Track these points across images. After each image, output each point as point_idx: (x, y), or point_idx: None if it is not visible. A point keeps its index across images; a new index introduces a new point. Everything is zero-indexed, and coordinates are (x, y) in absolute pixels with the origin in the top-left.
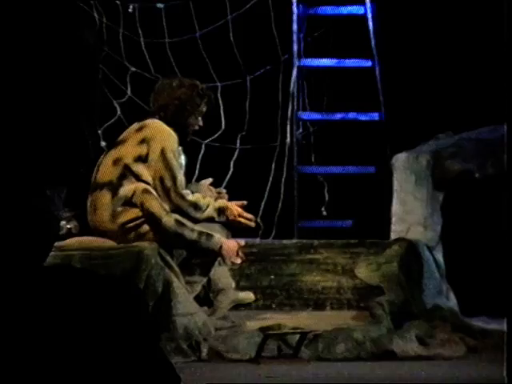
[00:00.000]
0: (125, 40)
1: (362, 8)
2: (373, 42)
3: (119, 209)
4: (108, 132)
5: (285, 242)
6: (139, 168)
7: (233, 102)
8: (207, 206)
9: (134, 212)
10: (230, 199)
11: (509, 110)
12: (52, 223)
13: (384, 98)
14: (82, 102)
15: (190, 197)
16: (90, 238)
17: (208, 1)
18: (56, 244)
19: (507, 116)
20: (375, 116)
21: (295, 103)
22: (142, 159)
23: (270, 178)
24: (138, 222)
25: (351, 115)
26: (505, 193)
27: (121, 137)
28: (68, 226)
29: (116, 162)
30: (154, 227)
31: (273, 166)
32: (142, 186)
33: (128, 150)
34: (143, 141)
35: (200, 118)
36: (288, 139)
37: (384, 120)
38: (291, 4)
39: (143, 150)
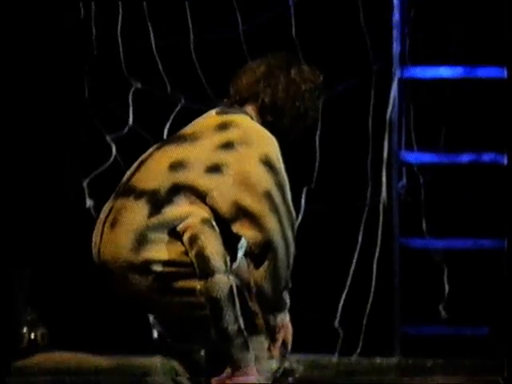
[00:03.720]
0: (125, 40)
1: None
2: None
3: (153, 235)
4: (96, 184)
5: (379, 360)
6: (209, 182)
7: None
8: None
9: (174, 249)
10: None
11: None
12: (9, 331)
13: None
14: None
15: None
16: (68, 354)
17: None
18: (15, 364)
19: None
20: None
21: (395, 137)
22: (219, 169)
23: (355, 256)
24: (175, 269)
25: (487, 157)
26: None
27: (189, 129)
28: (32, 336)
29: (175, 166)
30: (190, 286)
31: (359, 237)
32: (204, 214)
33: (201, 154)
34: (228, 145)
35: None
36: (384, 195)
37: None
38: None
39: (225, 157)
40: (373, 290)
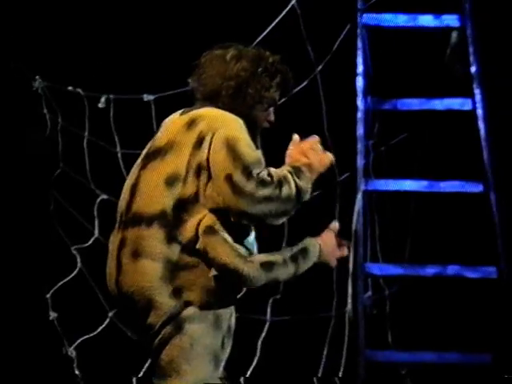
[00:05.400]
0: (91, 150)
1: (469, 101)
2: (486, 158)
3: (180, 260)
4: (61, 296)
5: None
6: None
7: (262, 244)
8: (291, 174)
9: (202, 274)
10: None
11: None
12: None
13: (504, 248)
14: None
15: (268, 177)
16: None
17: None
18: None
19: None
20: (491, 272)
21: (360, 250)
22: (204, 168)
23: (320, 368)
24: (203, 295)
25: (452, 269)
26: None
27: (162, 140)
28: None
29: (171, 181)
30: (229, 288)
31: (324, 351)
32: (207, 221)
33: (185, 161)
34: (201, 140)
35: (272, 110)
36: (349, 307)
37: (506, 279)
38: (355, 96)
39: (204, 153)
40: None
